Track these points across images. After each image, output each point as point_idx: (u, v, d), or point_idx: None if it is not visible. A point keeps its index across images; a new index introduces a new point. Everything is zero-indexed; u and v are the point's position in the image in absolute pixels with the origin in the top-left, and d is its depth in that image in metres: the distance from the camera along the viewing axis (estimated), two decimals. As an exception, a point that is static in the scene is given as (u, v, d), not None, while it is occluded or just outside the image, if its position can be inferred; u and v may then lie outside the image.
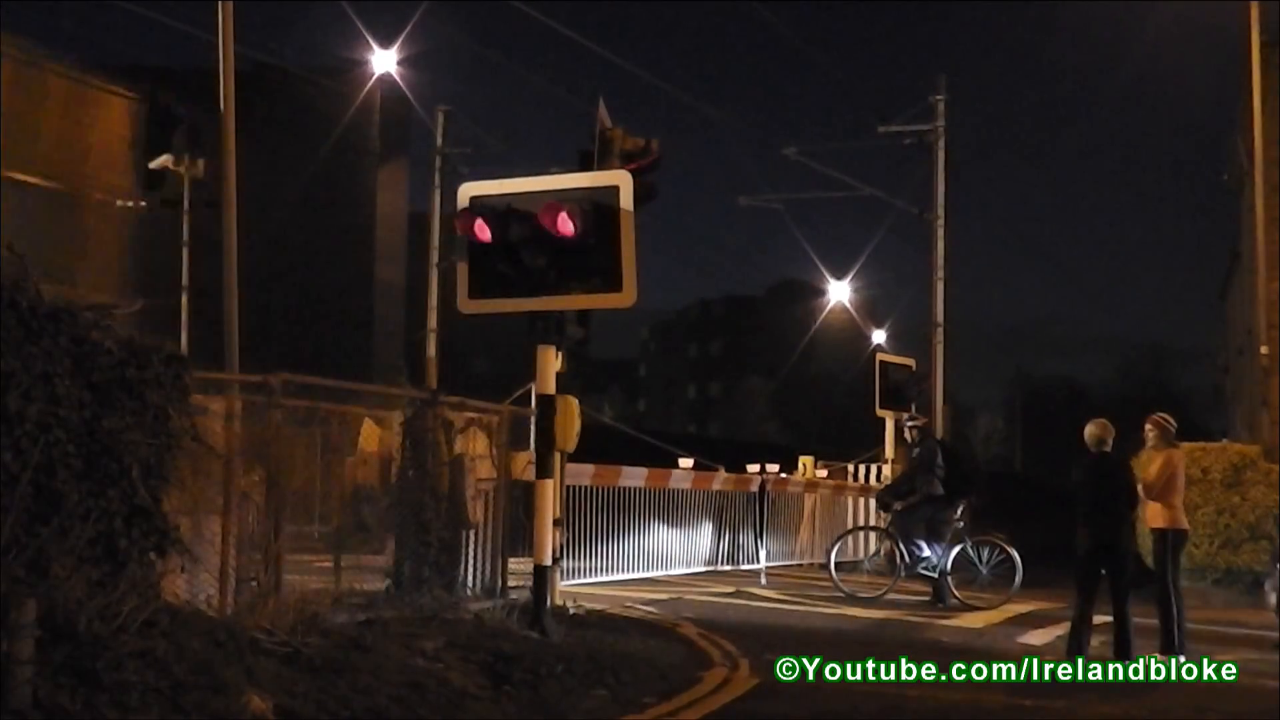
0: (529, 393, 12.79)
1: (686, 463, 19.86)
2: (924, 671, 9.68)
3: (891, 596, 15.66)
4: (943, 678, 9.78)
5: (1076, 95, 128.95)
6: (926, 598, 15.64)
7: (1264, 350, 20.19)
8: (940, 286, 27.44)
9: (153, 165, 29.88)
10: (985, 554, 15.90)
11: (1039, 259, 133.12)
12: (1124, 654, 10.77)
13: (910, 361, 24.69)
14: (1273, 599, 14.42)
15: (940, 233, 27.33)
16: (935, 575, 15.67)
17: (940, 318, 27.38)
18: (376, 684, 7.39)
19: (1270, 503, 17.49)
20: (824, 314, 50.59)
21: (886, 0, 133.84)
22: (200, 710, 6.06)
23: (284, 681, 6.92)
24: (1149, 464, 11.64)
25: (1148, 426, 11.67)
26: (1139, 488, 11.33)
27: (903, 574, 16.08)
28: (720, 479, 19.54)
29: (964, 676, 9.88)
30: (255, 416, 9.30)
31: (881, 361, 23.67)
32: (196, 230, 25.59)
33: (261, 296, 33.55)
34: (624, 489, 17.16)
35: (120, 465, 7.01)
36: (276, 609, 8.30)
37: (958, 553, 15.76)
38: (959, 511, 16.00)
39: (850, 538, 19.77)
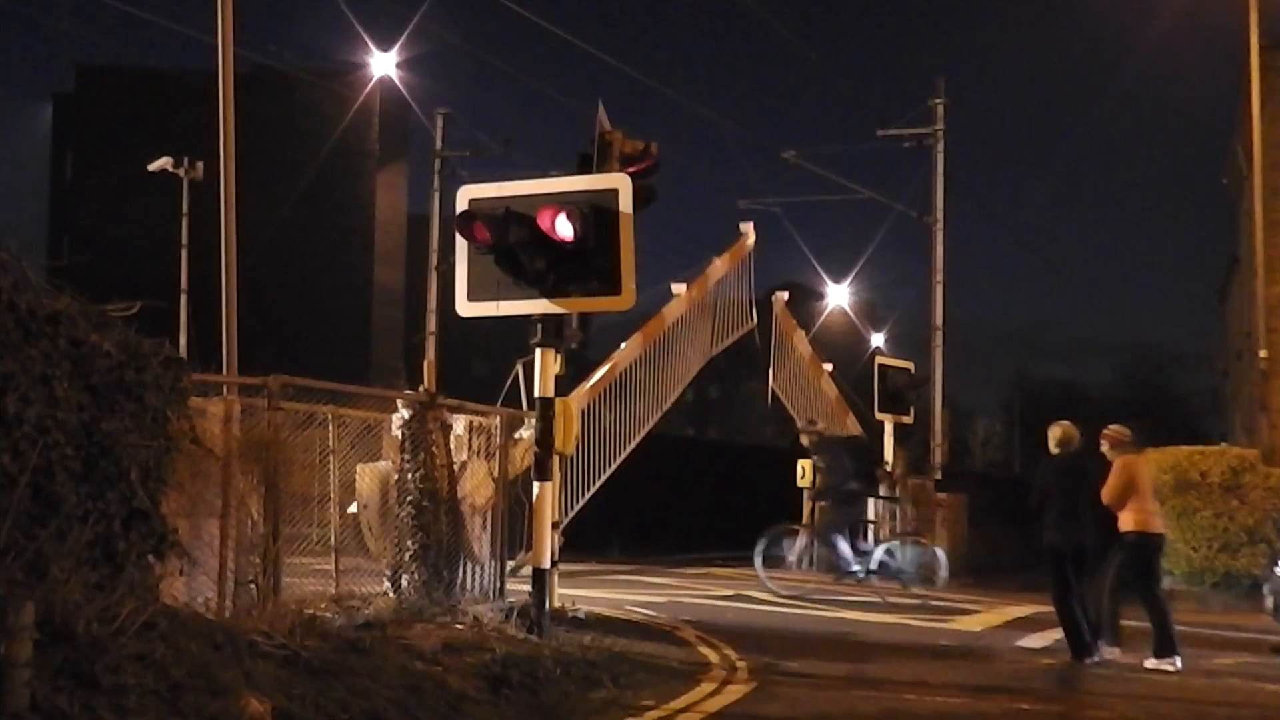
0: (517, 386, 12.80)
1: (679, 287, 19.35)
2: (923, 674, 9.68)
3: (893, 600, 15.69)
4: (941, 680, 9.80)
5: (1076, 97, 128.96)
6: (918, 600, 15.69)
7: (1262, 354, 20.20)
8: (939, 290, 27.43)
9: (152, 167, 29.93)
10: (909, 552, 16.20)
11: (1038, 262, 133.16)
12: (1080, 654, 11.16)
13: (909, 365, 24.69)
14: (1269, 602, 14.47)
15: (939, 236, 27.33)
16: (861, 574, 15.97)
17: (939, 321, 27.38)
18: (375, 687, 7.40)
19: (1269, 506, 17.52)
20: (823, 317, 50.58)
21: (886, 2, 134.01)
22: (198, 713, 6.06)
23: (282, 684, 6.92)
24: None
25: (1101, 440, 11.94)
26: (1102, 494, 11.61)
27: (831, 570, 16.38)
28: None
29: (963, 679, 9.90)
30: (254, 419, 9.31)
31: (880, 365, 23.66)
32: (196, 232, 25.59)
33: (260, 299, 33.55)
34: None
35: (119, 468, 7.01)
36: (275, 612, 8.30)
37: (883, 551, 16.08)
38: (877, 509, 16.32)
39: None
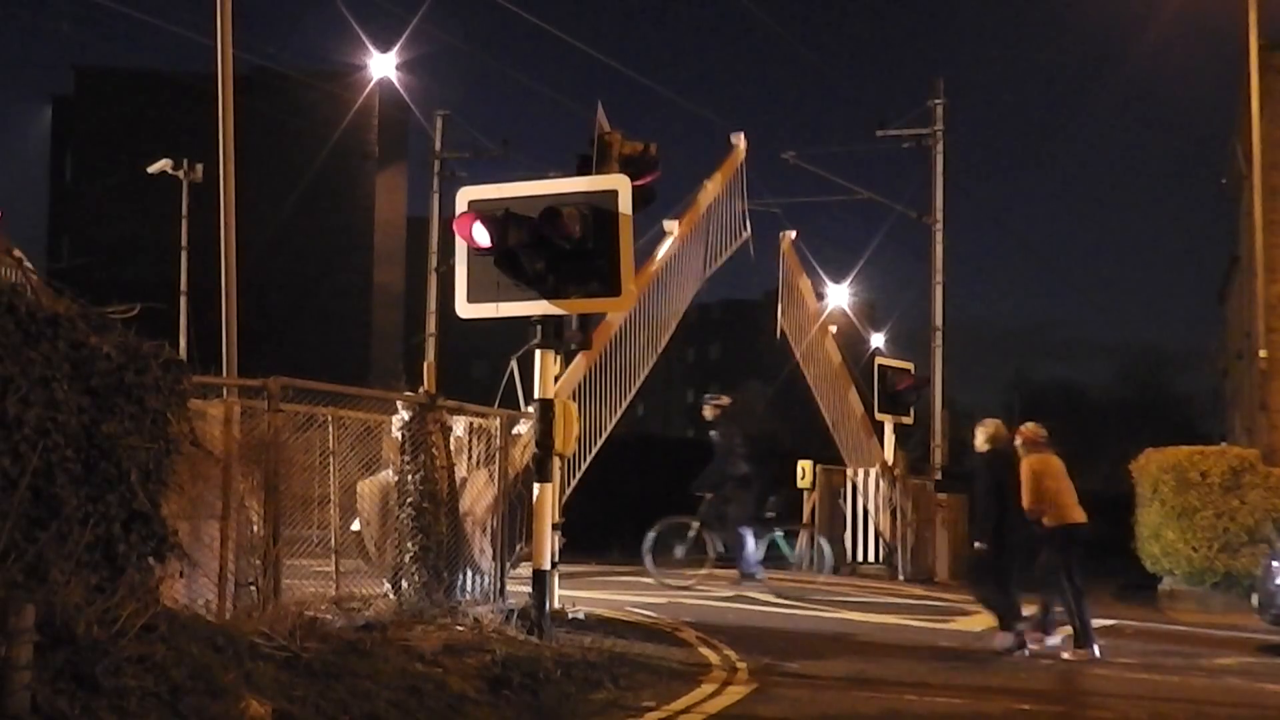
0: (513, 383, 12.77)
1: (671, 224, 18.05)
2: (923, 674, 9.67)
3: (891, 600, 15.70)
4: (942, 681, 9.79)
5: (1076, 97, 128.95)
6: (916, 600, 15.71)
7: (1262, 354, 20.18)
8: (939, 290, 27.42)
9: (151, 170, 29.91)
10: (797, 542, 16.39)
11: (1038, 262, 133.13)
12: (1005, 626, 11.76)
13: (909, 365, 24.66)
14: (1254, 599, 14.49)
15: (939, 236, 27.34)
16: (751, 569, 16.14)
17: (939, 322, 27.38)
18: (375, 688, 7.40)
19: (1269, 506, 17.52)
20: (822, 318, 50.54)
21: (886, 2, 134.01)
22: (199, 715, 6.06)
23: (283, 686, 6.92)
24: None
25: (1015, 436, 12.20)
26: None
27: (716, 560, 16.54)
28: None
29: (963, 679, 9.90)
30: (254, 421, 9.30)
31: (880, 365, 23.62)
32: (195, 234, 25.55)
33: (260, 300, 33.54)
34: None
35: (119, 470, 7.01)
36: (275, 613, 8.29)
37: (768, 541, 16.29)
38: (770, 499, 16.41)
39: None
